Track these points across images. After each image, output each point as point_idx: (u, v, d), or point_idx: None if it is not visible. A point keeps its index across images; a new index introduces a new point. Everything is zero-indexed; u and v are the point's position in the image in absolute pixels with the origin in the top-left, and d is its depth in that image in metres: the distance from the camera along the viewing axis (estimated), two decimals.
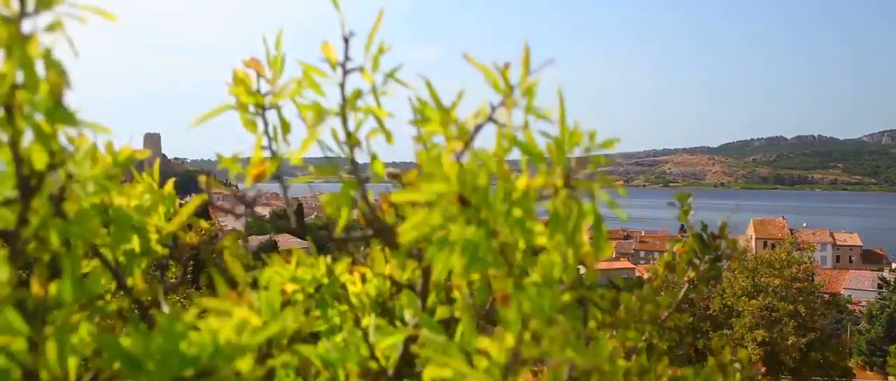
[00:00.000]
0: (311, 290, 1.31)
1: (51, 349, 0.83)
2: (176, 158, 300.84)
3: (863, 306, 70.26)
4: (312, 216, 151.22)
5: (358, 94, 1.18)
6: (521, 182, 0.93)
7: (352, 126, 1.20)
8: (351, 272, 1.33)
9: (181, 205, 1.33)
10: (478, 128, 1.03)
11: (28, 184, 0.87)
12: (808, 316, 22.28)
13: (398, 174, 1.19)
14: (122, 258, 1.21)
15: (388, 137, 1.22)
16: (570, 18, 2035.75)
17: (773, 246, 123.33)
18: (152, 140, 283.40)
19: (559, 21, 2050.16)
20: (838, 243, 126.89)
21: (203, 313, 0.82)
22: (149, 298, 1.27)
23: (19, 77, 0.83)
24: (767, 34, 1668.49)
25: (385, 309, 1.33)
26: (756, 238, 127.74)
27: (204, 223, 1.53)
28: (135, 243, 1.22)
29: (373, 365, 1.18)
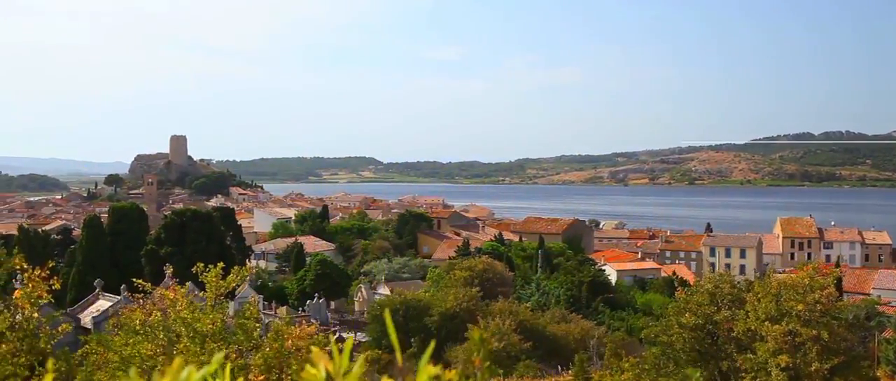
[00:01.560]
0: None
1: None
2: (201, 160, 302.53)
3: (893, 306, 69.48)
4: (337, 217, 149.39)
5: None
6: None
7: None
8: None
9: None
10: None
11: None
12: (832, 341, 22.10)
13: None
14: None
15: None
16: (583, 14, 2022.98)
17: (801, 245, 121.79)
18: (179, 142, 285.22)
19: (575, 17, 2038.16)
20: (867, 241, 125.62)
21: None
22: None
23: None
24: (791, 29, 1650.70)
25: None
26: (783, 237, 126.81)
27: None
28: None
29: None
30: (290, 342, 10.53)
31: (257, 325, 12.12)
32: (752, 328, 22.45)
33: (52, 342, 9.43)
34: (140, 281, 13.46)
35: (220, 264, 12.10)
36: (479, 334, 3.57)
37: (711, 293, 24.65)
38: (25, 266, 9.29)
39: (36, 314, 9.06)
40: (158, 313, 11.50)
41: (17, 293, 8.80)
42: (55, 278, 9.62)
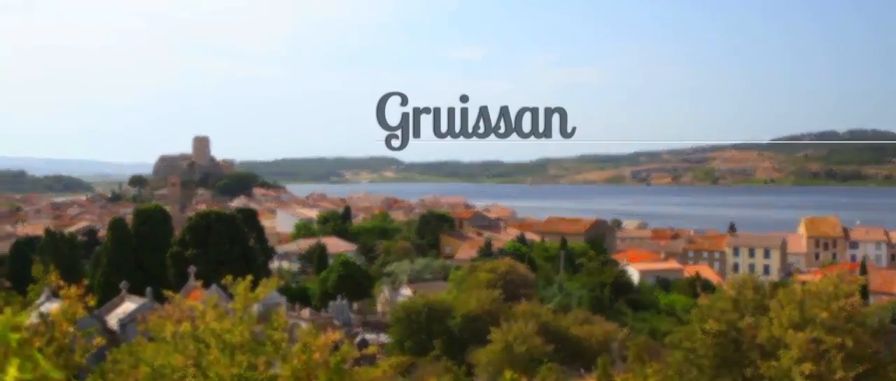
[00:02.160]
0: None
1: None
2: (224, 160, 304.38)
3: None
4: (359, 218, 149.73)
5: None
6: None
7: None
8: None
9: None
10: None
11: None
12: (857, 348, 21.92)
13: None
14: None
15: None
16: (601, 12, 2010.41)
17: (826, 245, 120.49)
18: (201, 143, 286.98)
19: (593, 16, 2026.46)
20: (894, 241, 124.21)
21: None
22: None
23: None
24: (813, 25, 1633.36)
25: None
26: (808, 237, 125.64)
27: None
28: None
29: None
30: (318, 354, 10.68)
31: (285, 334, 12.25)
32: (776, 335, 22.32)
33: (87, 356, 9.65)
34: (169, 292, 13.68)
35: (249, 278, 12.27)
36: (510, 375, 3.68)
37: (735, 300, 24.57)
38: (62, 283, 9.52)
39: (72, 329, 9.28)
40: (187, 324, 11.68)
41: (53, 311, 9.03)
42: (90, 295, 9.84)
